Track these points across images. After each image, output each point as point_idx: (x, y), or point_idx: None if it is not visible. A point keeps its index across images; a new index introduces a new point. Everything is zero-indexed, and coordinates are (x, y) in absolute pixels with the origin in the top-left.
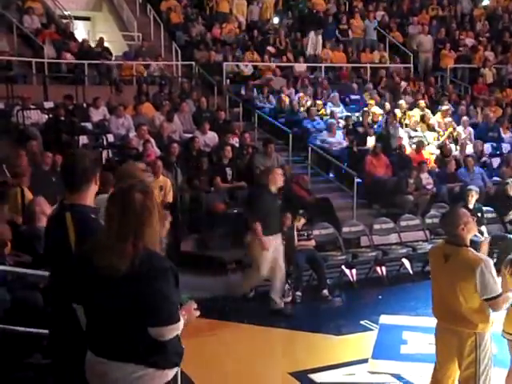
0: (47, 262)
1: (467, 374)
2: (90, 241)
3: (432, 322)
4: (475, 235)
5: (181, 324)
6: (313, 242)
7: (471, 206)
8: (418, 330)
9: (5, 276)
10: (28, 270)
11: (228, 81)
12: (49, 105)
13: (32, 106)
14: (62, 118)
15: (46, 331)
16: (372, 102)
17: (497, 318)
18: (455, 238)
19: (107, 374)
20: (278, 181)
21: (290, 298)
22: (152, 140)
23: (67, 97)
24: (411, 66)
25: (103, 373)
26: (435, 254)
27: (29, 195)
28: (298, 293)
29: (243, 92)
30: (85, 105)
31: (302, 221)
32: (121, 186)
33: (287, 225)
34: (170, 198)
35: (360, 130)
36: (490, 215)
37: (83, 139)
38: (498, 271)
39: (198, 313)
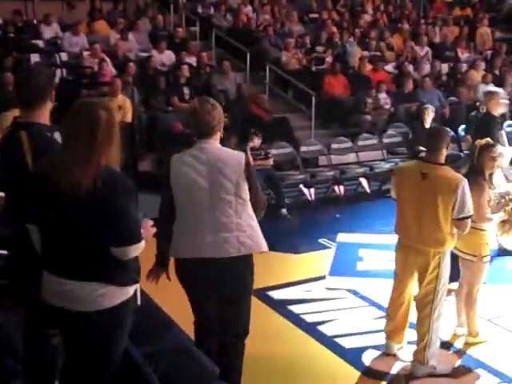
0: (3, 182)
1: (427, 289)
2: (47, 158)
3: (387, 239)
4: None
5: (143, 243)
6: (270, 161)
7: (427, 126)
8: (373, 247)
9: None
10: None
11: None
12: None
13: None
14: (11, 35)
15: (3, 252)
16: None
17: None
18: (436, 156)
19: (68, 293)
20: None
21: None
22: (107, 59)
23: (16, 12)
24: None
25: (63, 292)
26: (409, 172)
27: None
28: None
29: (200, 10)
30: (35, 21)
31: (256, 140)
32: (83, 102)
33: (232, 143)
34: (129, 118)
35: (318, 48)
36: None
37: (35, 57)
38: None
39: (154, 229)
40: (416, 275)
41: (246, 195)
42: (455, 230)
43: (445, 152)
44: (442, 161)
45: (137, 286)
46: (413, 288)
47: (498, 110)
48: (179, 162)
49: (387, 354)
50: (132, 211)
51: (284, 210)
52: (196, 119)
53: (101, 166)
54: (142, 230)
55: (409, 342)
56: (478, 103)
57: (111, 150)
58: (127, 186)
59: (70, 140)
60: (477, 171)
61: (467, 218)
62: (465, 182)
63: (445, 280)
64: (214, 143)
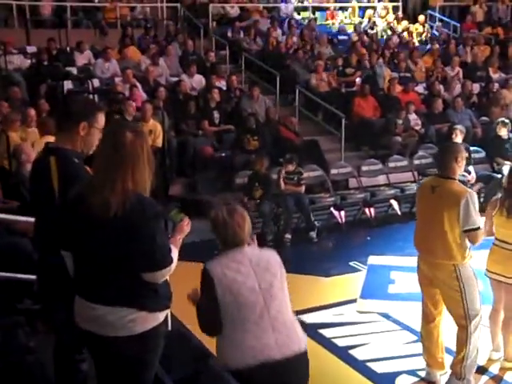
0: (33, 207)
1: (453, 303)
2: (79, 184)
3: None
4: (463, 175)
5: (173, 266)
6: (302, 189)
7: None
8: (405, 269)
9: None
10: (16, 216)
11: (214, 23)
12: (31, 49)
13: (14, 51)
14: (46, 63)
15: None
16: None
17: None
18: (446, 170)
19: (99, 319)
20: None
21: (271, 237)
22: (138, 84)
23: (50, 40)
24: (400, 4)
25: (95, 317)
26: (423, 186)
27: (15, 141)
28: (288, 235)
29: (230, 34)
30: (68, 49)
31: (291, 167)
32: (112, 125)
33: (263, 167)
34: (159, 143)
35: (347, 71)
36: (477, 155)
37: (68, 84)
38: (484, 211)
39: (188, 228)
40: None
41: (286, 286)
42: (468, 243)
43: (456, 167)
44: (453, 175)
45: (167, 311)
46: (441, 306)
47: None
48: (221, 269)
49: (429, 382)
50: (160, 236)
51: (312, 233)
52: (226, 231)
53: (128, 188)
54: (176, 234)
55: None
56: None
57: (138, 174)
58: (155, 211)
59: (98, 163)
60: None
61: (474, 230)
62: (470, 195)
63: (471, 294)
64: (246, 247)
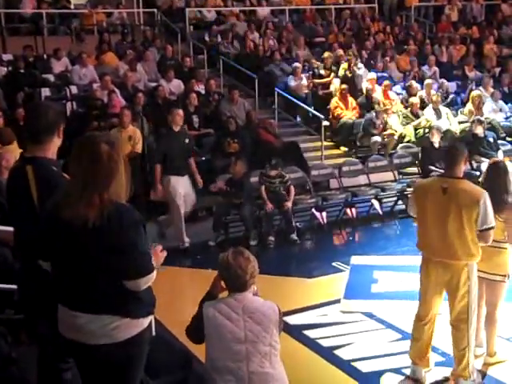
0: (11, 217)
1: (461, 305)
2: (55, 194)
3: (402, 260)
4: None
5: (154, 273)
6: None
7: (436, 145)
8: (388, 268)
9: None
10: None
11: (191, 27)
12: (7, 57)
13: None
14: (22, 71)
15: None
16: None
17: None
18: (456, 171)
19: (83, 327)
20: (178, 121)
21: (256, 242)
22: (117, 90)
23: (26, 47)
24: (376, 5)
25: (78, 326)
26: (430, 188)
27: None
28: (271, 238)
29: (207, 38)
30: (45, 56)
31: (274, 172)
32: (86, 137)
33: (239, 172)
34: (139, 148)
35: (322, 72)
36: None
37: (45, 91)
38: None
39: (164, 254)
40: (444, 293)
41: (278, 344)
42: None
43: (463, 167)
44: (461, 175)
45: (151, 317)
46: (439, 308)
47: None
48: (213, 311)
49: (414, 379)
50: (140, 243)
51: (293, 235)
52: (228, 273)
53: (105, 199)
54: (152, 258)
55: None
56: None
57: (115, 184)
58: (134, 218)
59: (74, 174)
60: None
61: (490, 229)
62: (486, 195)
63: (475, 293)
64: (248, 295)
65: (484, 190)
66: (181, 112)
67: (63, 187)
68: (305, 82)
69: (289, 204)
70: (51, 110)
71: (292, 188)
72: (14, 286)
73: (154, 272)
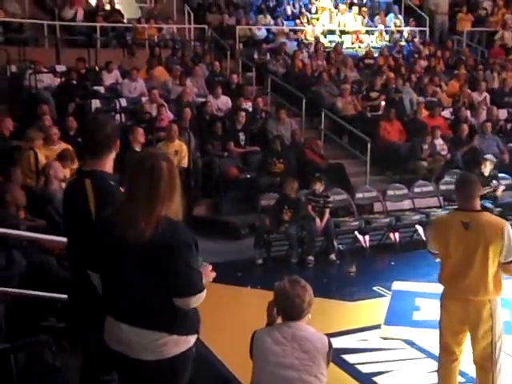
0: (66, 229)
1: (484, 343)
2: (112, 207)
3: None
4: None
5: (204, 292)
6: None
7: (486, 174)
8: (430, 296)
9: (20, 241)
10: (43, 235)
11: (241, 45)
12: (61, 68)
13: (44, 70)
14: (75, 82)
15: (61, 295)
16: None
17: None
18: (473, 204)
19: (130, 340)
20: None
21: (296, 260)
22: (165, 104)
23: (80, 60)
24: (427, 29)
25: (125, 338)
26: (450, 223)
27: (42, 159)
28: (311, 257)
29: (256, 56)
30: (97, 68)
31: (319, 185)
32: (145, 154)
33: (293, 190)
34: (185, 163)
35: (373, 95)
36: (504, 182)
37: (96, 103)
38: None
39: (214, 274)
40: (467, 331)
41: (325, 378)
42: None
43: (478, 199)
44: (479, 207)
45: (197, 335)
46: (463, 347)
47: None
48: (264, 336)
49: None
50: (193, 262)
51: (332, 256)
52: (285, 302)
53: (161, 215)
54: (203, 277)
55: None
56: None
57: (174, 201)
58: (187, 236)
59: (133, 190)
60: None
61: None
62: (508, 225)
63: (500, 330)
64: (301, 323)
65: (505, 220)
66: (141, 130)
67: (120, 201)
68: (352, 103)
69: (321, 225)
70: (109, 124)
71: (327, 210)
72: (58, 295)
73: (204, 292)
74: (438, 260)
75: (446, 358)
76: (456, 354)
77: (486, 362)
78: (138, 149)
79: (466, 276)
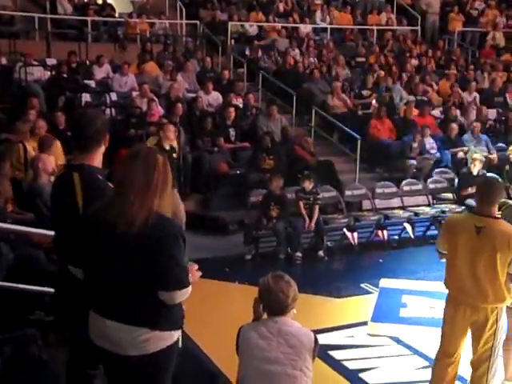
0: (54, 223)
1: (485, 348)
2: (101, 201)
3: (432, 286)
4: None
5: (190, 288)
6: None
7: (475, 174)
8: (417, 293)
9: (8, 233)
10: (31, 228)
11: (233, 41)
12: (51, 61)
13: (34, 63)
14: (65, 75)
15: (49, 289)
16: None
17: None
18: (490, 209)
19: (113, 336)
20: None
21: (284, 256)
22: (156, 99)
23: (71, 53)
24: (418, 28)
25: (108, 334)
26: (462, 226)
27: (31, 152)
28: (298, 254)
29: (248, 52)
30: (88, 62)
31: (308, 183)
32: (141, 147)
33: (278, 187)
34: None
35: (364, 92)
36: None
37: (86, 97)
38: None
39: (199, 273)
40: (469, 333)
41: (310, 372)
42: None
43: (497, 205)
44: (496, 213)
45: (180, 330)
46: (463, 348)
47: None
48: (250, 331)
49: None
50: (180, 257)
51: (321, 252)
52: (269, 297)
53: (153, 208)
54: (189, 273)
55: None
56: None
57: (166, 194)
58: (175, 230)
59: (126, 182)
60: None
61: None
62: None
63: (501, 336)
64: (287, 318)
65: None
66: (172, 128)
67: (109, 195)
68: (343, 100)
69: (312, 224)
70: (99, 119)
71: (317, 207)
72: (45, 288)
73: (190, 287)
74: (442, 260)
75: (443, 361)
76: (456, 353)
77: (483, 365)
78: (167, 147)
79: (472, 281)
